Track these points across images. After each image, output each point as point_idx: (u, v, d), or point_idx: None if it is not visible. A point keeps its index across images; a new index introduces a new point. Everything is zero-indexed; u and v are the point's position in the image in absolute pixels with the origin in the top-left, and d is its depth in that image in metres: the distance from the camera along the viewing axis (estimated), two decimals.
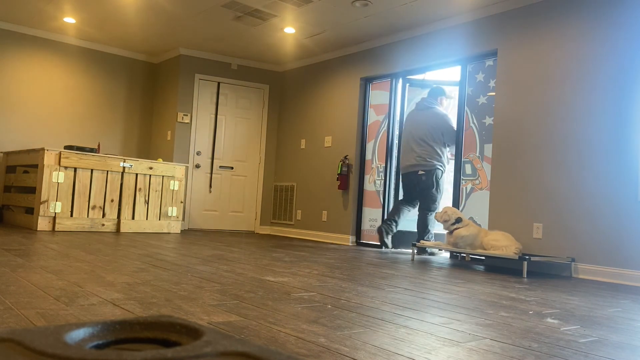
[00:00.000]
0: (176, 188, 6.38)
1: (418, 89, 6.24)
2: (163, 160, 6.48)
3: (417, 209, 5.67)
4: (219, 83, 7.63)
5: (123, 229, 5.94)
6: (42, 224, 5.43)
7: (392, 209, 5.74)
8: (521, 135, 4.82)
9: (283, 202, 7.58)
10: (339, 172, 6.52)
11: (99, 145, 6.48)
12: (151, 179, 6.19)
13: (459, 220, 4.70)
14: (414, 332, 1.83)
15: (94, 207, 5.75)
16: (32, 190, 5.93)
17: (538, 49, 4.78)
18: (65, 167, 5.57)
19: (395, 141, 6.26)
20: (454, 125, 5.50)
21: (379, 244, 6.14)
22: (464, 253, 4.69)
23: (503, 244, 4.33)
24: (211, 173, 7.54)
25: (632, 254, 4.01)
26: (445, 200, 5.76)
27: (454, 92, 5.80)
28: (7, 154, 6.64)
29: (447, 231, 4.77)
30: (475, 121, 5.34)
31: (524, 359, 1.56)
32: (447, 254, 5.63)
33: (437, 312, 2.24)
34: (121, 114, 7.76)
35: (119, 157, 5.94)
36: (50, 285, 2.27)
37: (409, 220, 6.00)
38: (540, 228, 4.57)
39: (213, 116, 7.60)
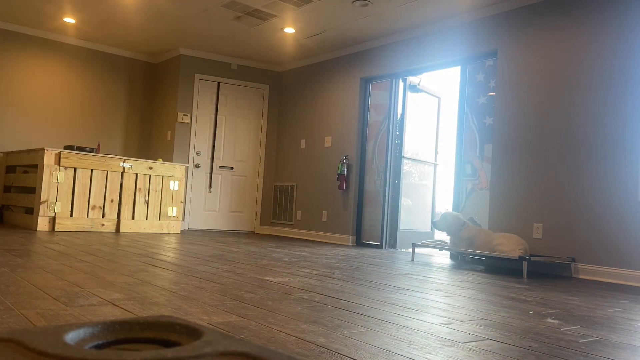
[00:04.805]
0: (176, 188, 6.38)
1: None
2: (163, 160, 6.48)
3: None
4: (219, 83, 7.62)
5: (123, 229, 5.94)
6: (42, 224, 5.43)
7: None
8: (521, 135, 4.82)
9: (283, 202, 7.57)
10: (339, 172, 6.51)
11: (98, 145, 6.48)
12: (151, 179, 6.19)
13: (463, 224, 4.68)
14: (414, 332, 1.83)
15: (93, 207, 5.75)
16: (32, 190, 5.93)
17: (538, 49, 4.78)
18: (65, 167, 5.57)
19: (396, 141, 6.26)
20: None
21: (378, 243, 6.14)
22: (465, 253, 4.68)
23: (507, 249, 4.29)
24: (211, 173, 7.54)
25: (632, 254, 4.01)
26: (445, 200, 5.76)
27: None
28: (7, 154, 6.63)
29: (448, 235, 4.76)
30: (475, 121, 5.34)
31: (524, 359, 1.56)
32: (448, 254, 5.62)
33: (437, 313, 2.24)
34: (121, 114, 7.76)
35: (119, 157, 5.94)
36: (50, 285, 2.27)
37: (409, 220, 6.00)
38: (540, 228, 4.57)
39: (213, 116, 7.60)
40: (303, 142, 7.36)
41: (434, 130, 6.82)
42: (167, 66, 7.74)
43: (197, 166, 7.46)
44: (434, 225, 4.88)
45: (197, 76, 7.48)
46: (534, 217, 4.64)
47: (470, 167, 5.35)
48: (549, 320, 2.24)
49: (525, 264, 4.04)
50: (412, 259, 4.84)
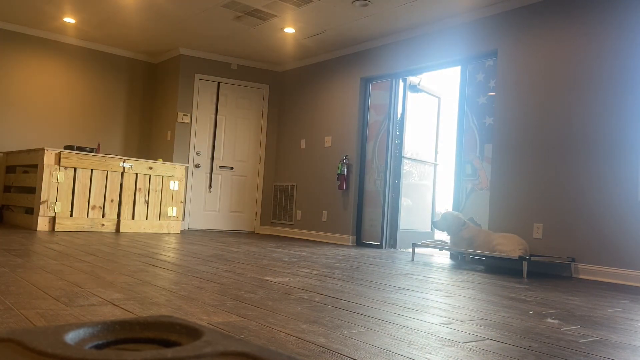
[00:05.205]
0: (176, 188, 6.37)
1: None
2: (163, 160, 6.48)
3: None
4: (219, 83, 7.62)
5: (123, 229, 5.94)
6: (42, 224, 5.43)
7: None
8: (521, 135, 4.82)
9: (283, 202, 7.57)
10: (339, 172, 6.51)
11: (98, 145, 6.48)
12: (151, 179, 6.19)
13: (463, 224, 4.68)
14: (414, 332, 1.83)
15: (93, 207, 5.75)
16: (32, 190, 5.93)
17: (538, 49, 4.78)
18: (65, 167, 5.57)
19: (396, 141, 6.26)
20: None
21: (378, 243, 6.14)
22: (465, 253, 4.68)
23: (507, 249, 4.29)
24: (211, 173, 7.54)
25: (632, 254, 4.01)
26: (445, 200, 5.76)
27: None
28: (7, 154, 6.63)
29: (449, 235, 4.76)
30: (475, 121, 5.34)
31: (524, 359, 1.56)
32: (448, 254, 5.62)
33: (437, 313, 2.24)
34: (121, 114, 7.76)
35: (119, 157, 5.94)
36: (50, 285, 2.27)
37: (409, 220, 5.99)
38: (540, 228, 4.57)
39: (213, 116, 7.60)
40: (303, 142, 7.36)
41: (434, 130, 6.82)
42: (167, 66, 7.74)
43: (197, 166, 7.46)
44: (434, 225, 4.88)
45: (197, 76, 7.48)
46: (534, 217, 4.64)
47: (470, 167, 5.35)
48: (549, 320, 2.24)
49: (525, 264, 4.04)
50: (412, 259, 4.84)
